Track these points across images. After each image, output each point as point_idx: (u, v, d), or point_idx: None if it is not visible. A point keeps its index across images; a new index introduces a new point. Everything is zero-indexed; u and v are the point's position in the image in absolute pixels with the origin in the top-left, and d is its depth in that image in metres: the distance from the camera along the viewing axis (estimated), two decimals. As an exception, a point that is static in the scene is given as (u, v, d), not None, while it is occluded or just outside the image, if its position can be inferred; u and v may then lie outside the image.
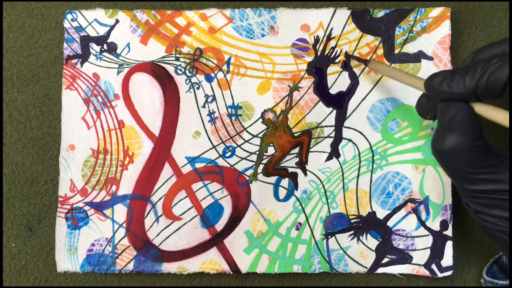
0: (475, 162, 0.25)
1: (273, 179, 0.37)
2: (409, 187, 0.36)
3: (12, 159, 0.37)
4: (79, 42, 0.37)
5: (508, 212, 0.25)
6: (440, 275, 0.36)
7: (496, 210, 0.26)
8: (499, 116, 0.24)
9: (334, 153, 0.37)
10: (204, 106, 0.37)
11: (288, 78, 0.37)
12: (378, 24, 0.37)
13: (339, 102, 0.37)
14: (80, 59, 0.37)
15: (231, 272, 0.36)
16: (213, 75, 0.37)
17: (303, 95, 0.37)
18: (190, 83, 0.37)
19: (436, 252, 0.36)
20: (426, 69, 0.37)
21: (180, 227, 0.36)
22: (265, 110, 0.37)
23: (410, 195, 0.37)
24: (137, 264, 0.36)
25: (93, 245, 0.36)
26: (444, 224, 0.36)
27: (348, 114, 0.37)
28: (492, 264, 0.34)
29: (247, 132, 0.37)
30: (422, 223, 0.36)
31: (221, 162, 0.37)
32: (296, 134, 0.37)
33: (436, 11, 0.37)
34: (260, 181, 0.37)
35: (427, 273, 0.36)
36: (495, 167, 0.25)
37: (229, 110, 0.37)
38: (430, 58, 0.37)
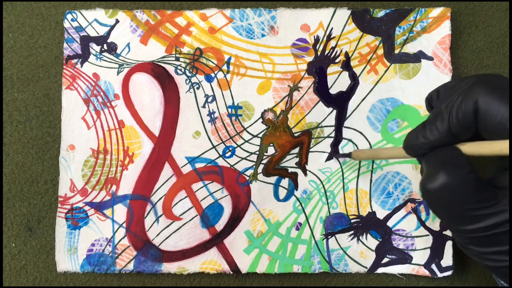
0: (473, 197, 0.23)
1: (273, 179, 0.36)
2: (409, 187, 0.36)
3: (12, 159, 0.37)
4: (79, 42, 0.37)
5: None
6: (440, 275, 0.35)
7: (502, 246, 0.24)
8: (493, 147, 0.23)
9: (334, 153, 0.36)
10: (204, 106, 0.36)
11: (288, 78, 0.37)
12: (378, 24, 0.36)
13: (339, 102, 0.36)
14: (80, 59, 0.37)
15: (231, 272, 0.36)
16: (213, 75, 0.37)
17: (303, 95, 0.36)
18: (190, 83, 0.37)
19: (436, 252, 0.36)
20: (426, 69, 0.36)
21: (180, 227, 0.36)
22: (265, 110, 0.37)
23: (410, 195, 0.36)
24: (137, 264, 0.36)
25: (93, 245, 0.36)
26: (444, 224, 0.36)
27: (348, 114, 0.36)
28: None
29: (247, 132, 0.36)
30: (422, 223, 0.36)
31: (221, 162, 0.36)
32: (296, 134, 0.36)
33: (436, 11, 0.36)
34: (260, 181, 0.36)
35: (427, 273, 0.36)
36: (494, 199, 0.23)
37: (229, 110, 0.36)
38: (430, 58, 0.36)
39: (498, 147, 0.22)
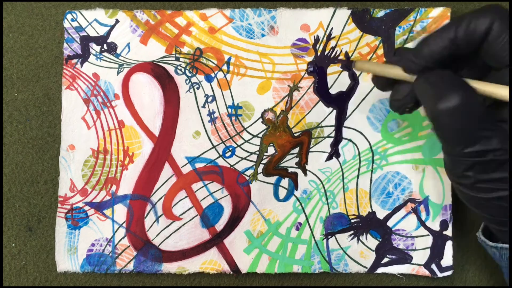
0: (480, 117, 0.24)
1: (273, 179, 0.36)
2: (409, 187, 0.36)
3: (12, 159, 0.37)
4: (79, 42, 0.36)
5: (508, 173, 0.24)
6: (440, 275, 0.35)
7: (495, 173, 0.24)
8: (497, 90, 0.24)
9: (334, 153, 0.36)
10: (204, 106, 0.36)
11: (288, 78, 0.36)
12: (378, 24, 0.36)
13: (339, 102, 0.36)
14: (80, 59, 0.36)
15: (231, 272, 0.35)
16: (213, 75, 0.36)
17: (303, 95, 0.36)
18: (190, 83, 0.36)
19: (436, 252, 0.35)
20: (426, 69, 0.36)
21: (180, 227, 0.36)
22: (265, 110, 0.36)
23: (410, 195, 0.36)
24: (137, 264, 0.35)
25: (93, 245, 0.35)
26: (444, 224, 0.35)
27: (348, 114, 0.36)
28: (483, 230, 0.33)
29: (247, 132, 0.36)
30: (422, 223, 0.36)
31: (221, 162, 0.36)
32: (296, 134, 0.36)
33: (436, 11, 0.36)
34: (260, 181, 0.36)
35: (427, 273, 0.35)
36: (495, 123, 0.24)
37: (229, 110, 0.36)
38: (430, 58, 0.36)
39: (500, 91, 0.24)
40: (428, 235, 0.35)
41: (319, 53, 0.36)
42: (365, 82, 0.36)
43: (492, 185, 0.25)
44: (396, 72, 0.27)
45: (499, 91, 0.24)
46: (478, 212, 0.28)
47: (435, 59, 0.25)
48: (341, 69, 0.36)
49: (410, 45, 0.36)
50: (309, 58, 0.36)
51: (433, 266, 0.35)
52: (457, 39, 0.24)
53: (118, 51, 0.36)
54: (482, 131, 0.24)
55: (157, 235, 0.35)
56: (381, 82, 0.29)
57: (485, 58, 0.25)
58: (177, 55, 0.36)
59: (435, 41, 0.25)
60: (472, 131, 0.24)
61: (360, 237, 0.36)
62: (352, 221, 0.36)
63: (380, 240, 0.36)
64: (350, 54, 0.36)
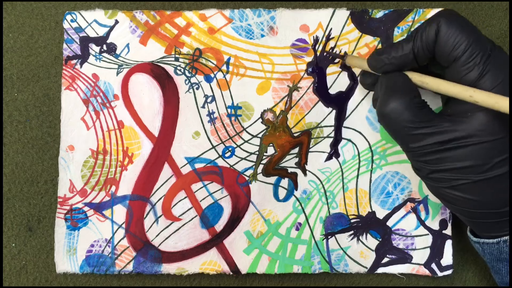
0: (415, 117, 0.26)
1: (272, 179, 0.35)
2: (409, 186, 0.35)
3: (12, 159, 0.36)
4: (78, 43, 0.35)
5: (459, 162, 0.26)
6: (440, 274, 0.34)
7: (447, 163, 0.26)
8: (430, 82, 0.27)
9: (334, 153, 0.35)
10: (203, 107, 0.35)
11: (288, 78, 0.35)
12: (377, 24, 0.35)
13: (338, 102, 0.35)
14: (80, 60, 0.35)
15: (231, 273, 0.34)
16: (212, 75, 0.35)
17: (303, 95, 0.35)
18: (189, 84, 0.35)
19: (436, 251, 0.35)
20: (425, 69, 0.35)
21: (180, 228, 0.35)
22: (264, 110, 0.35)
23: (409, 195, 0.35)
24: (136, 265, 0.34)
25: (92, 246, 0.34)
26: (443, 223, 0.35)
27: (347, 114, 0.35)
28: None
29: (247, 132, 0.35)
30: (421, 222, 0.35)
31: (220, 162, 0.35)
32: (295, 134, 0.35)
33: (434, 12, 0.35)
34: (260, 181, 0.35)
35: (427, 272, 0.35)
36: (437, 121, 0.26)
37: (229, 110, 0.35)
38: (429, 58, 0.35)
39: (439, 84, 0.26)
40: (427, 234, 0.35)
41: (318, 54, 0.35)
42: (365, 82, 0.35)
43: (444, 175, 0.27)
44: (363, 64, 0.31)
45: (501, 103, 0.24)
46: (448, 205, 0.29)
47: (396, 63, 0.28)
48: (341, 69, 0.35)
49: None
50: (309, 59, 0.35)
51: (433, 266, 0.34)
52: (414, 48, 0.27)
53: (117, 52, 0.35)
54: (417, 130, 0.26)
55: (156, 236, 0.35)
56: (367, 83, 0.33)
57: (439, 60, 0.27)
58: (177, 56, 0.35)
59: (397, 49, 0.28)
60: (408, 131, 0.27)
61: (360, 237, 0.35)
62: (352, 221, 0.35)
63: (380, 240, 0.35)
64: (328, 52, 0.35)
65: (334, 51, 0.35)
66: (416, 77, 0.28)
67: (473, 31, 0.26)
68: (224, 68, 0.35)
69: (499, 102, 0.23)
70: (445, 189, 0.27)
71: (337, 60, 0.35)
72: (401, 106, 0.26)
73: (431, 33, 0.27)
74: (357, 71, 0.35)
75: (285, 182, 0.35)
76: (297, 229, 0.35)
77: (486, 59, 0.25)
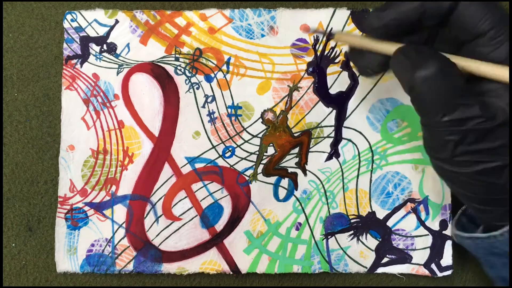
0: (458, 83, 0.23)
1: (273, 179, 0.34)
2: (409, 187, 0.34)
3: (12, 159, 0.35)
4: (78, 43, 0.35)
5: (499, 140, 0.23)
6: (439, 274, 0.34)
7: (476, 145, 0.23)
8: (495, 71, 0.23)
9: (334, 153, 0.34)
10: (204, 106, 0.34)
11: (288, 78, 0.35)
12: (377, 24, 0.34)
13: (338, 102, 0.34)
14: (80, 60, 0.35)
15: (231, 273, 0.34)
16: (212, 75, 0.35)
17: (303, 95, 0.35)
18: (189, 83, 0.35)
19: (436, 252, 0.34)
20: (425, 69, 0.34)
21: (180, 228, 0.34)
22: (264, 110, 0.35)
23: (409, 195, 0.34)
24: (136, 265, 0.34)
25: (92, 245, 0.34)
26: (443, 224, 0.34)
27: (347, 114, 0.35)
28: (460, 217, 0.32)
29: (247, 132, 0.34)
30: (421, 222, 0.34)
31: (221, 162, 0.34)
32: (296, 134, 0.34)
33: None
34: (260, 181, 0.34)
35: (426, 272, 0.34)
36: (471, 90, 0.24)
37: (229, 110, 0.34)
38: (429, 59, 0.34)
39: (498, 72, 0.23)
40: (427, 234, 0.34)
41: (318, 53, 0.35)
42: (365, 82, 0.35)
43: (473, 157, 0.24)
44: (374, 44, 0.26)
45: (498, 72, 0.22)
46: (460, 191, 0.26)
47: (400, 21, 0.24)
48: (341, 69, 0.35)
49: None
50: (309, 58, 0.35)
51: (433, 266, 0.34)
52: (426, 3, 0.24)
53: (117, 51, 0.35)
54: (461, 98, 0.23)
55: (157, 236, 0.34)
56: (360, 64, 0.28)
57: (455, 31, 0.24)
58: (177, 55, 0.35)
59: (404, 4, 0.24)
60: (450, 98, 0.23)
61: (360, 237, 0.34)
62: (352, 221, 0.34)
63: (380, 240, 0.34)
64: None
65: (334, 52, 0.35)
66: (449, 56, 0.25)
67: (497, 7, 0.23)
68: (224, 68, 0.35)
69: None
70: (469, 173, 0.24)
71: (337, 60, 0.35)
72: (447, 67, 0.23)
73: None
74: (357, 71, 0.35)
75: (285, 182, 0.34)
76: (297, 229, 0.34)
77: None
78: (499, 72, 0.23)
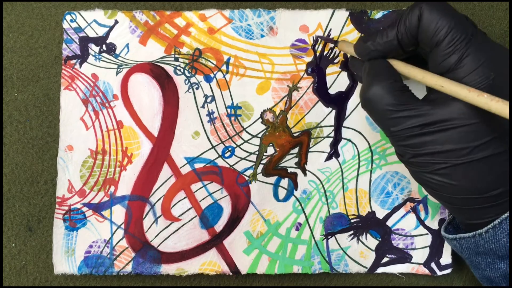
0: (396, 100, 0.26)
1: (272, 179, 0.34)
2: (408, 186, 0.34)
3: (12, 159, 0.35)
4: (78, 43, 0.34)
5: (439, 145, 0.25)
6: (439, 273, 0.33)
7: (427, 147, 0.26)
8: (411, 72, 0.27)
9: (334, 153, 0.34)
10: (203, 107, 0.34)
11: (287, 78, 0.34)
12: (376, 25, 0.34)
13: (338, 102, 0.34)
14: (79, 60, 0.34)
15: (231, 273, 0.33)
16: (212, 75, 0.34)
17: (302, 95, 0.34)
18: (189, 84, 0.34)
19: (435, 251, 0.33)
20: (425, 69, 0.34)
21: (179, 228, 0.33)
22: (264, 110, 0.34)
23: (409, 194, 0.34)
24: (135, 266, 0.33)
25: (91, 246, 0.33)
26: (443, 223, 0.33)
27: (347, 114, 0.34)
28: (447, 225, 0.32)
29: (247, 132, 0.34)
30: (421, 222, 0.34)
31: (220, 162, 0.34)
32: (295, 134, 0.34)
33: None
34: (260, 181, 0.34)
35: (426, 271, 0.33)
36: (417, 104, 0.26)
37: (229, 110, 0.34)
38: (428, 59, 0.34)
39: (417, 74, 0.26)
40: (427, 234, 0.34)
41: (318, 54, 0.34)
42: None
43: (426, 159, 0.26)
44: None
45: (498, 107, 0.23)
46: (427, 190, 0.28)
47: (381, 49, 0.28)
48: (340, 69, 0.34)
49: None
50: (308, 59, 0.34)
51: (433, 265, 0.33)
52: (398, 34, 0.27)
53: (117, 52, 0.34)
54: (398, 113, 0.26)
55: (156, 236, 0.33)
56: (355, 68, 0.32)
57: (423, 46, 0.27)
58: (176, 56, 0.34)
59: (382, 35, 0.28)
60: (389, 114, 0.26)
61: (360, 237, 0.34)
62: (352, 221, 0.34)
63: (380, 239, 0.34)
64: (348, 55, 0.34)
65: (333, 52, 0.34)
66: (400, 66, 0.27)
67: (454, 16, 0.25)
68: (224, 68, 0.34)
69: (460, 93, 0.23)
70: (426, 174, 0.27)
71: (337, 60, 0.34)
72: (382, 89, 0.26)
73: (413, 18, 0.26)
74: (356, 71, 0.34)
75: (285, 182, 0.34)
76: (297, 229, 0.34)
77: (466, 43, 0.25)
78: (434, 82, 0.25)
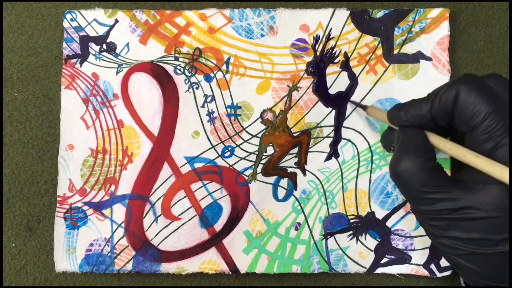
0: (427, 181, 0.25)
1: (272, 179, 0.34)
2: (408, 187, 0.34)
3: (12, 159, 0.35)
4: (78, 42, 0.35)
5: (465, 233, 0.25)
6: (439, 275, 0.34)
7: (453, 232, 0.25)
8: (445, 146, 0.26)
9: (333, 153, 0.34)
10: (203, 106, 0.34)
11: (287, 78, 0.34)
12: (377, 24, 0.35)
13: (338, 102, 0.34)
14: (79, 59, 0.35)
15: (230, 272, 0.34)
16: (212, 75, 0.34)
17: (302, 95, 0.34)
18: (189, 83, 0.34)
19: (435, 252, 0.34)
20: (425, 69, 0.34)
21: (179, 227, 0.34)
22: (264, 110, 0.34)
23: (409, 195, 0.34)
24: (135, 264, 0.33)
25: (91, 245, 0.34)
26: (443, 224, 0.33)
27: (347, 114, 0.34)
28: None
29: (246, 132, 0.34)
30: (421, 223, 0.34)
31: (220, 162, 0.34)
32: (295, 134, 0.34)
33: (435, 12, 0.34)
34: (259, 181, 0.34)
35: (426, 273, 0.34)
36: (449, 187, 0.25)
37: (228, 110, 0.34)
38: (428, 59, 0.34)
39: (457, 151, 0.25)
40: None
41: (318, 53, 0.34)
42: (364, 82, 0.34)
43: (451, 242, 0.26)
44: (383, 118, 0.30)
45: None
46: (450, 263, 0.28)
47: (413, 121, 0.27)
48: (340, 69, 0.34)
49: (409, 45, 0.34)
50: (308, 58, 0.34)
51: (432, 266, 0.34)
52: (432, 110, 0.26)
53: (117, 51, 0.35)
54: (429, 194, 0.25)
55: (156, 235, 0.34)
56: (387, 145, 0.31)
57: (458, 125, 0.26)
58: (176, 55, 0.35)
59: (415, 108, 0.27)
60: (419, 193, 0.25)
61: (359, 237, 0.34)
62: (351, 221, 0.34)
63: (379, 240, 0.34)
64: (349, 55, 0.34)
65: (334, 52, 0.34)
66: (434, 139, 0.26)
67: (493, 100, 0.24)
68: (224, 67, 0.34)
69: (497, 172, 0.23)
70: (450, 254, 0.26)
71: (337, 60, 0.35)
72: (415, 167, 0.25)
73: (449, 98, 0.25)
74: (356, 71, 0.35)
75: (284, 182, 0.34)
76: (296, 229, 0.34)
77: (503, 131, 0.24)
78: (468, 160, 0.24)
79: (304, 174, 0.34)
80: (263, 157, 0.34)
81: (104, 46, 0.35)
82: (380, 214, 0.34)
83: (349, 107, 0.34)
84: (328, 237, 0.34)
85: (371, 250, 0.34)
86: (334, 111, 0.34)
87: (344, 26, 0.35)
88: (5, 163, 0.35)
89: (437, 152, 0.34)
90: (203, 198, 0.34)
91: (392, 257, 0.34)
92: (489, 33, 0.35)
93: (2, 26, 0.35)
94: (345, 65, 0.34)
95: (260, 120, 0.34)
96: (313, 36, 0.35)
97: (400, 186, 0.27)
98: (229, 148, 0.34)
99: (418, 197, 0.26)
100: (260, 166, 0.34)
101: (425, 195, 0.25)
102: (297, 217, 0.34)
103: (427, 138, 0.27)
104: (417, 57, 0.34)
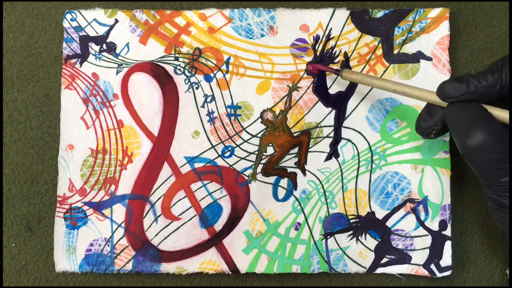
0: (507, 148, 0.24)
1: (272, 179, 0.35)
2: (408, 187, 0.35)
3: (12, 159, 0.36)
4: (78, 42, 0.35)
5: None
6: (439, 275, 0.34)
7: None
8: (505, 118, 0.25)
9: (333, 153, 0.35)
10: (203, 106, 0.35)
11: (287, 78, 0.35)
12: (377, 24, 0.35)
13: (338, 102, 0.35)
14: (79, 59, 0.35)
15: (230, 272, 0.34)
16: (212, 75, 0.35)
17: (302, 95, 0.35)
18: (189, 83, 0.35)
19: (435, 252, 0.34)
20: (425, 69, 0.35)
21: (179, 227, 0.35)
22: (264, 110, 0.35)
23: (409, 195, 0.35)
24: (135, 264, 0.34)
25: (91, 245, 0.34)
26: (443, 224, 0.34)
27: (347, 114, 0.35)
28: None
29: (246, 132, 0.35)
30: (421, 223, 0.35)
31: (220, 162, 0.35)
32: (295, 134, 0.35)
33: (435, 12, 0.35)
34: (259, 181, 0.35)
35: (426, 273, 0.34)
36: None
37: (228, 110, 0.35)
38: (429, 59, 0.35)
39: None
40: (427, 235, 0.34)
41: (318, 53, 0.35)
42: (364, 82, 0.35)
43: None
44: (431, 97, 0.29)
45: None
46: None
47: (477, 92, 0.26)
48: (341, 69, 0.35)
49: (409, 45, 0.35)
50: (308, 58, 0.35)
51: (432, 266, 0.34)
52: (502, 79, 0.26)
53: (117, 51, 0.35)
54: (508, 163, 0.24)
55: (156, 235, 0.35)
56: (426, 126, 0.30)
57: None
58: (176, 55, 0.35)
59: (481, 80, 0.26)
60: (500, 164, 0.25)
61: (359, 237, 0.35)
62: (351, 221, 0.35)
63: (379, 240, 0.35)
64: (349, 55, 0.35)
65: (334, 52, 0.35)
66: (497, 113, 0.26)
67: None
68: (223, 67, 0.35)
69: None
70: None
71: (337, 60, 0.35)
72: (493, 138, 0.25)
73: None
74: (356, 70, 0.35)
75: (284, 182, 0.35)
76: (296, 229, 0.35)
77: None
78: None
79: (304, 174, 0.35)
80: (263, 157, 0.35)
81: (104, 46, 0.35)
82: (380, 214, 0.35)
83: (349, 107, 0.35)
84: (328, 237, 0.35)
85: (371, 250, 0.34)
86: (334, 111, 0.35)
87: (344, 26, 0.35)
88: (5, 163, 0.36)
89: (437, 149, 0.35)
90: (203, 198, 0.35)
91: (392, 257, 0.34)
92: (489, 33, 0.36)
93: (2, 26, 0.36)
94: (345, 65, 0.35)
95: (260, 120, 0.35)
96: (313, 36, 0.35)
97: (475, 161, 0.26)
98: (229, 148, 0.35)
99: (499, 168, 0.25)
100: (260, 166, 0.35)
101: (505, 164, 0.24)
102: (297, 217, 0.35)
103: (489, 112, 0.26)
104: (417, 57, 0.35)
